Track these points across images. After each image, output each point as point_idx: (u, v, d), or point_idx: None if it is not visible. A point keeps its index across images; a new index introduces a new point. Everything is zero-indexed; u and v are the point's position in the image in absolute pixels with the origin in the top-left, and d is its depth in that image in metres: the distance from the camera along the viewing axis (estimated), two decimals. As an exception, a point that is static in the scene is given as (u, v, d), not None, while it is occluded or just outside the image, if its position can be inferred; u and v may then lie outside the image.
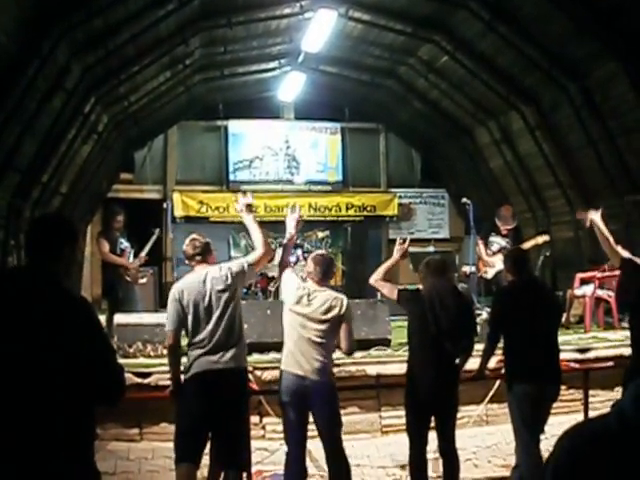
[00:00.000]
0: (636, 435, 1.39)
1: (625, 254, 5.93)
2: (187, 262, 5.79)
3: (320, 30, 11.95)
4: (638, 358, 5.19)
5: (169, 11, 10.01)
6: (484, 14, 10.88)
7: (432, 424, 6.07)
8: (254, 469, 6.25)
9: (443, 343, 5.88)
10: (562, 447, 1.54)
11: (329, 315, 5.63)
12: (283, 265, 6.15)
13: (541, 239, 10.43)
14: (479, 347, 6.68)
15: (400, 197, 17.99)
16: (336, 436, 5.80)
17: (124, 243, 9.96)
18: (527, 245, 10.11)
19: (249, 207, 5.90)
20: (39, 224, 3.53)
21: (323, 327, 5.62)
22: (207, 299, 5.44)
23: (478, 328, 9.41)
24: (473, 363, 6.50)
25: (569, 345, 8.70)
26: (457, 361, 6.13)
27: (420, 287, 6.23)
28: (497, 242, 10.73)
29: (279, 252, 6.52)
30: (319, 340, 5.60)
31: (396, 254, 6.54)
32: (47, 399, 2.89)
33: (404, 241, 6.62)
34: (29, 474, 2.82)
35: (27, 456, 2.81)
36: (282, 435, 5.94)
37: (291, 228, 6.14)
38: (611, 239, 5.93)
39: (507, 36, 11.10)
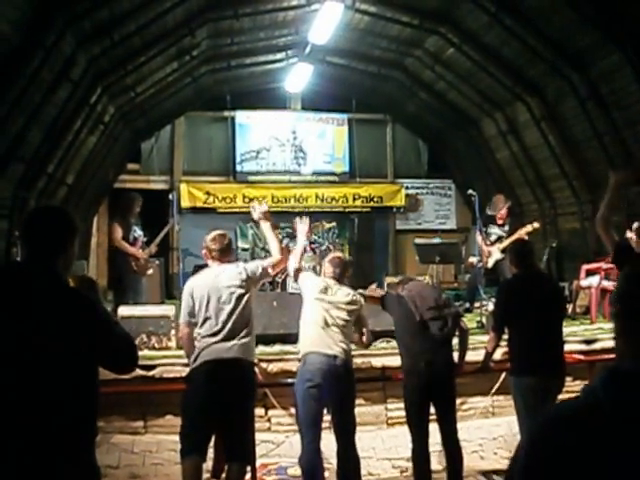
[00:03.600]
0: (606, 416, 1.37)
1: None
2: (204, 255, 5.78)
3: (327, 22, 11.93)
4: None
5: (175, 2, 10.02)
6: (489, 6, 10.93)
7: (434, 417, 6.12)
8: (259, 462, 6.26)
9: (428, 330, 5.99)
10: (533, 432, 1.51)
11: (352, 307, 6.01)
12: (297, 271, 6.24)
13: (530, 227, 10.53)
14: (483, 339, 6.70)
15: (407, 188, 17.98)
16: (352, 427, 5.89)
17: (137, 232, 9.86)
18: (517, 235, 10.25)
19: (266, 215, 5.97)
20: (40, 217, 3.36)
21: (347, 316, 5.95)
22: (220, 293, 5.52)
23: (483, 319, 9.56)
24: (478, 355, 6.51)
25: (575, 336, 8.71)
26: (454, 354, 6.20)
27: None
28: (494, 232, 10.97)
29: (291, 250, 6.55)
30: (343, 326, 5.90)
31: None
32: (44, 398, 2.88)
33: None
34: (28, 473, 2.81)
35: (26, 455, 2.79)
36: (287, 427, 5.96)
37: (302, 239, 6.33)
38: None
39: (512, 28, 11.12)
